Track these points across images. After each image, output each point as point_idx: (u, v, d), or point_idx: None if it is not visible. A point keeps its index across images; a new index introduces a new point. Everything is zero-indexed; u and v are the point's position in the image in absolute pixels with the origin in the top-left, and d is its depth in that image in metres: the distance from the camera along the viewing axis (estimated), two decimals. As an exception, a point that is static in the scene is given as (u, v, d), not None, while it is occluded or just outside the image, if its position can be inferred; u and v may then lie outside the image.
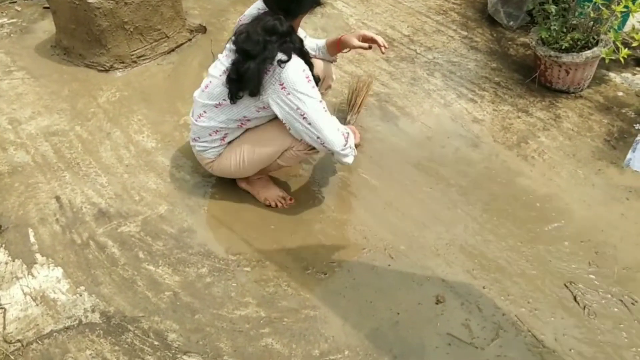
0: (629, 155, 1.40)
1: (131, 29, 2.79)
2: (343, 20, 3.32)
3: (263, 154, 1.99)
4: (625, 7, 2.34)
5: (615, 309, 1.77)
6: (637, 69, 2.83)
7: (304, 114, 1.81)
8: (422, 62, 2.94)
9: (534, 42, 2.64)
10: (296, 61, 1.79)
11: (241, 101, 1.87)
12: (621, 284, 1.84)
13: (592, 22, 2.50)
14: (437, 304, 1.81)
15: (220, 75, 1.89)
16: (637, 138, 1.34)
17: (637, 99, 2.63)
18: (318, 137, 1.85)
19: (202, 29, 3.18)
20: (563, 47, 2.53)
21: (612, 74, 2.78)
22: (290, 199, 2.14)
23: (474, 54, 2.99)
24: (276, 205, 2.12)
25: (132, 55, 2.86)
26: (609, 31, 2.48)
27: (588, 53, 2.50)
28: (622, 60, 2.38)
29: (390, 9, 3.43)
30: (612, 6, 2.37)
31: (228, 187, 2.21)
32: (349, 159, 1.96)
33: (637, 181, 2.21)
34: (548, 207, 2.12)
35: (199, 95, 1.99)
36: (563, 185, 2.22)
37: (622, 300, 1.79)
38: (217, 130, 1.96)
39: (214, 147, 2.01)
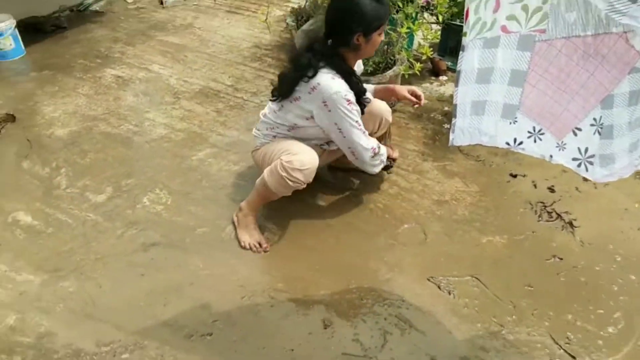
0: (450, 137, 1.62)
1: None
2: (163, 82, 3.31)
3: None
4: (408, 28, 2.74)
5: (475, 288, 2.01)
6: (433, 78, 3.30)
7: (340, 129, 2.09)
8: (252, 107, 3.06)
9: (345, 71, 2.92)
10: (339, 84, 2.02)
11: (290, 109, 2.13)
12: (474, 267, 2.11)
13: (385, 46, 2.86)
14: (325, 328, 1.86)
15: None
16: (453, 121, 1.57)
17: (440, 103, 3.06)
18: (349, 148, 2.15)
19: (11, 118, 2.91)
20: (369, 71, 2.84)
21: (414, 87, 3.18)
22: (266, 248, 2.19)
23: (297, 90, 3.20)
24: (250, 249, 2.17)
25: None
26: (402, 51, 2.86)
27: (390, 72, 2.85)
28: (417, 73, 2.77)
29: (208, 64, 3.52)
30: (398, 29, 2.75)
31: (82, 275, 2.03)
32: (375, 169, 2.27)
33: (464, 167, 2.56)
34: (383, 211, 2.34)
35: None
36: (396, 191, 2.47)
37: (478, 279, 2.04)
38: (272, 127, 2.21)
39: (264, 139, 2.24)
